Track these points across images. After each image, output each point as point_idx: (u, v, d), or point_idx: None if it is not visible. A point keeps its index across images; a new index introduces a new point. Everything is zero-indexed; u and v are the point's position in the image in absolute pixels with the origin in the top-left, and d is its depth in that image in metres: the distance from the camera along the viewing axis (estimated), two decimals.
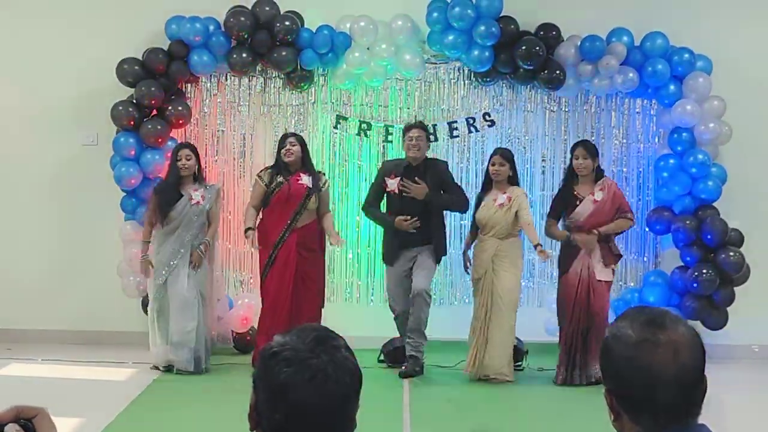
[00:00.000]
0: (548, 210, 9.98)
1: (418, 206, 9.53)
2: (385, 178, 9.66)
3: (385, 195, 9.75)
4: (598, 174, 9.59)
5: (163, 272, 9.46)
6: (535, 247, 9.43)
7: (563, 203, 9.64)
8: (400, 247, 9.64)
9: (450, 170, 9.98)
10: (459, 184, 10.07)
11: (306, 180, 9.54)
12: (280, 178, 9.56)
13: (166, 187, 9.61)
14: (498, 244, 9.55)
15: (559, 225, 9.71)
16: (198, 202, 9.52)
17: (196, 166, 9.63)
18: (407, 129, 9.66)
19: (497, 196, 9.57)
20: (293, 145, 9.61)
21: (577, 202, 9.49)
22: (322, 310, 9.68)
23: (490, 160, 9.72)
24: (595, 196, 9.45)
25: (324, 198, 9.70)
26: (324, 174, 9.94)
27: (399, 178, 9.53)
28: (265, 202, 9.59)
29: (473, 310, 9.68)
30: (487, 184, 9.74)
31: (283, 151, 9.59)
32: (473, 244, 9.81)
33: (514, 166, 9.68)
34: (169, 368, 9.51)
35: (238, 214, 10.80)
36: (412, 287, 9.55)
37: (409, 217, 9.50)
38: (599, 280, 9.39)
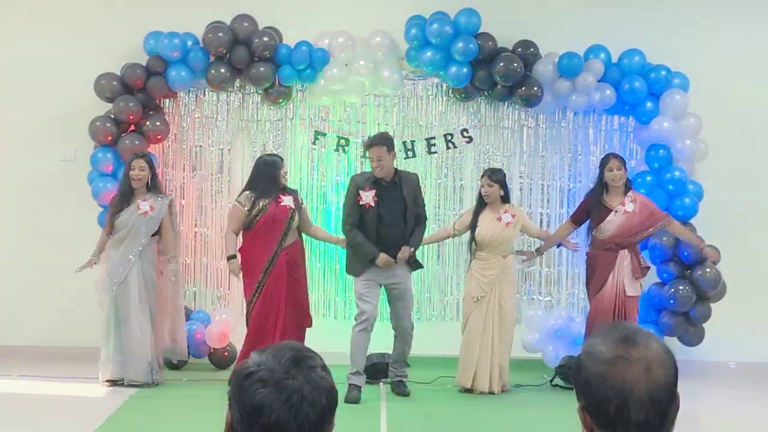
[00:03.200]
0: (572, 213, 10.03)
1: (393, 220, 9.35)
2: (360, 191, 9.37)
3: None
4: (627, 186, 9.64)
5: (114, 281, 9.45)
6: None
7: (593, 212, 9.64)
8: (371, 262, 9.37)
9: (419, 183, 9.72)
10: (424, 203, 9.76)
11: (288, 201, 9.51)
12: (263, 202, 9.44)
13: (117, 196, 9.59)
14: (503, 262, 9.62)
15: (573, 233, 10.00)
16: (146, 212, 9.45)
17: (150, 176, 9.57)
18: (366, 148, 9.43)
19: (500, 215, 9.59)
20: (286, 171, 9.69)
21: (608, 214, 9.52)
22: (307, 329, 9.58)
23: (480, 181, 9.80)
24: (626, 206, 9.48)
25: (304, 215, 9.68)
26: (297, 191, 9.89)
27: (373, 192, 9.32)
28: (248, 226, 9.49)
29: (470, 327, 9.63)
30: (480, 204, 9.78)
31: (282, 172, 9.50)
32: (472, 262, 9.83)
33: (504, 185, 9.70)
34: (120, 382, 9.47)
35: (216, 229, 10.81)
36: (397, 324, 9.46)
37: (394, 260, 9.28)
38: (629, 296, 9.43)
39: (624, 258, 9.46)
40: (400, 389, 9.58)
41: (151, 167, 9.61)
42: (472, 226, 9.71)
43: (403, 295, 9.46)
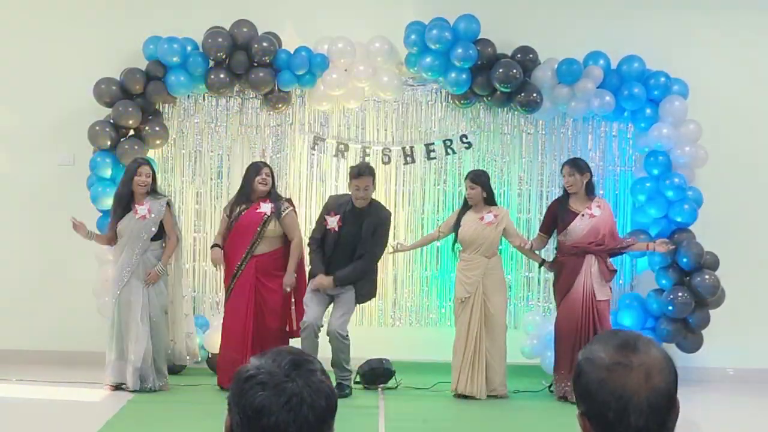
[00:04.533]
0: (540, 225, 10.02)
1: (349, 249, 9.51)
2: (326, 216, 9.57)
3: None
4: (590, 190, 9.64)
5: (118, 286, 9.45)
6: (542, 264, 9.84)
7: (559, 217, 9.65)
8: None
9: (388, 223, 9.76)
10: (382, 241, 9.72)
11: (265, 208, 9.53)
12: (240, 207, 9.57)
13: (116, 202, 9.58)
14: (486, 262, 9.61)
15: (550, 241, 9.93)
16: (144, 216, 9.45)
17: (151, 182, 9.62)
18: (355, 176, 9.41)
19: (483, 215, 9.62)
20: (268, 176, 9.64)
21: (574, 218, 9.54)
22: (291, 339, 9.59)
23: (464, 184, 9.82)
24: (593, 211, 9.51)
25: (286, 224, 9.60)
26: (289, 200, 9.87)
27: (338, 217, 9.48)
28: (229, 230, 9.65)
29: (458, 330, 9.66)
30: (465, 206, 9.80)
31: (259, 179, 9.55)
32: (457, 263, 9.85)
33: (487, 187, 9.73)
34: (121, 386, 9.48)
35: (214, 234, 10.80)
36: (328, 325, 9.49)
37: (325, 284, 9.42)
38: (600, 300, 9.44)
39: (591, 263, 9.48)
40: (340, 390, 9.59)
41: (154, 174, 9.65)
42: (456, 227, 9.75)
43: (339, 304, 9.56)
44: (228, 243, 9.63)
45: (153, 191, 9.59)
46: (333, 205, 9.62)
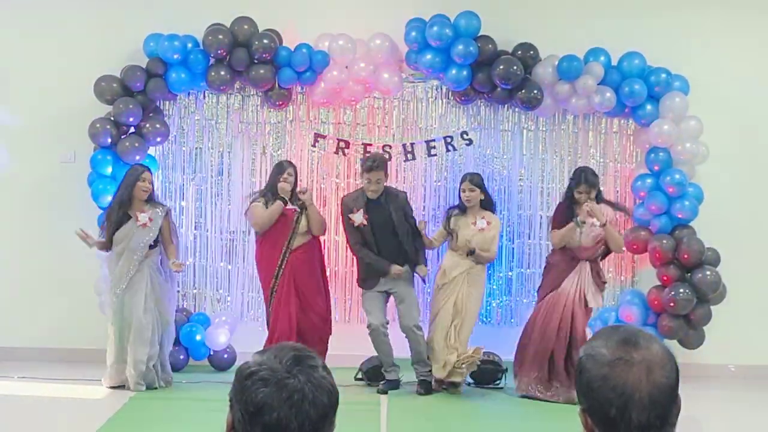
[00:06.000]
0: (550, 225, 9.98)
1: (388, 237, 9.67)
2: (349, 216, 9.65)
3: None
4: (598, 200, 9.67)
5: (115, 293, 9.46)
6: (471, 253, 9.70)
7: (565, 219, 9.64)
8: (380, 276, 9.68)
9: (407, 199, 10.01)
10: (414, 218, 9.97)
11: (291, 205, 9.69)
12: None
13: (115, 207, 9.55)
14: (471, 266, 9.67)
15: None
16: (145, 224, 9.46)
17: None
18: (369, 170, 9.53)
19: (476, 220, 9.64)
20: (290, 175, 9.74)
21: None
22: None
23: (460, 186, 9.79)
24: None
25: (311, 216, 9.76)
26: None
27: (362, 211, 9.58)
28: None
29: (437, 316, 9.71)
30: (460, 207, 9.82)
31: (281, 178, 9.67)
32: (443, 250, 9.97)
33: (485, 189, 9.76)
34: (120, 386, 9.52)
35: (215, 231, 10.85)
36: (403, 323, 9.67)
37: (402, 269, 9.60)
38: (587, 307, 9.45)
39: (584, 268, 9.49)
40: (424, 388, 9.73)
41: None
42: (449, 230, 9.79)
43: (404, 298, 9.69)
44: (263, 243, 9.77)
45: (152, 199, 9.61)
46: (351, 204, 9.71)
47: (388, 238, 9.65)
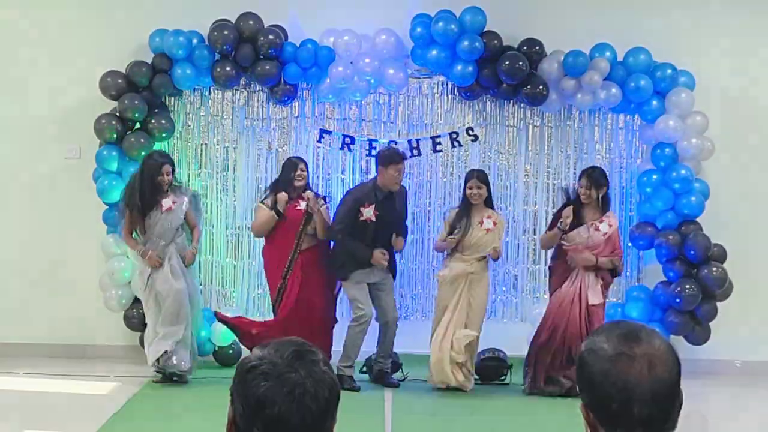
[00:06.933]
0: (549, 224, 10.02)
1: (387, 233, 9.72)
2: (360, 208, 9.57)
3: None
4: (605, 205, 9.66)
5: (147, 276, 9.53)
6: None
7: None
8: (357, 267, 9.64)
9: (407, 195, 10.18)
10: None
11: (304, 204, 9.63)
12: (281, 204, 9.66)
13: (140, 199, 9.54)
14: (476, 266, 9.63)
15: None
16: (169, 208, 9.52)
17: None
18: (395, 162, 9.55)
19: (482, 220, 9.61)
20: (303, 171, 9.75)
21: (579, 225, 9.53)
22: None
23: (466, 183, 9.76)
24: (601, 225, 9.50)
25: (317, 221, 9.73)
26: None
27: (373, 206, 9.54)
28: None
29: (441, 319, 9.67)
30: (465, 205, 9.76)
31: (295, 174, 9.68)
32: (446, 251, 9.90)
33: (489, 187, 9.74)
34: (162, 372, 9.55)
35: (221, 227, 10.85)
36: (386, 314, 9.72)
37: (386, 252, 9.61)
38: (593, 304, 9.43)
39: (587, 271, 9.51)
40: (387, 380, 9.80)
41: (173, 168, 9.76)
42: (458, 228, 9.70)
43: (388, 290, 9.83)
44: (272, 241, 9.79)
45: (173, 185, 9.67)
46: (364, 197, 9.64)
47: (387, 232, 9.69)
